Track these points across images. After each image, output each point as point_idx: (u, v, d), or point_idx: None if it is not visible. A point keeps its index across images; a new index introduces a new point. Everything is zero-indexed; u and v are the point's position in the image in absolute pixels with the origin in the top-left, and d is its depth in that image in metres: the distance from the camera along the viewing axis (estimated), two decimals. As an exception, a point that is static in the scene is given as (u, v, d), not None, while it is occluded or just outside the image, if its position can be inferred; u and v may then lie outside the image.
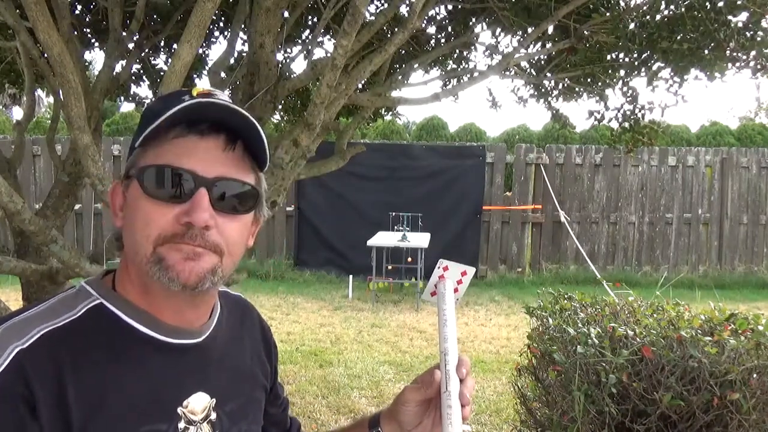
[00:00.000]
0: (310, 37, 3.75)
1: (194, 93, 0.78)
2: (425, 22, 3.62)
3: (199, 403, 0.83)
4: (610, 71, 3.45)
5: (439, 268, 1.01)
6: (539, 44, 3.62)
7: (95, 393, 0.73)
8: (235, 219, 0.79)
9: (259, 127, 0.78)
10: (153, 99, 0.95)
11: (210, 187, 0.76)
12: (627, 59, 3.16)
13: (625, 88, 3.47)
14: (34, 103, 3.61)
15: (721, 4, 2.68)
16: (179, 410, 0.80)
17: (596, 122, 3.72)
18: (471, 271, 1.02)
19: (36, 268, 2.38)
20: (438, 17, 3.79)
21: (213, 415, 0.84)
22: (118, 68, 2.98)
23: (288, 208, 8.75)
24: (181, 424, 0.80)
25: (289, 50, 3.87)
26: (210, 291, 0.80)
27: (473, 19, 3.59)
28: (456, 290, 1.00)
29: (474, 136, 11.02)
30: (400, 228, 7.68)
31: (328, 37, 3.91)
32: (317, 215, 8.68)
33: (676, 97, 3.10)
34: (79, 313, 0.77)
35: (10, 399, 0.68)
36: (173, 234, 0.75)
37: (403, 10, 3.32)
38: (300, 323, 6.15)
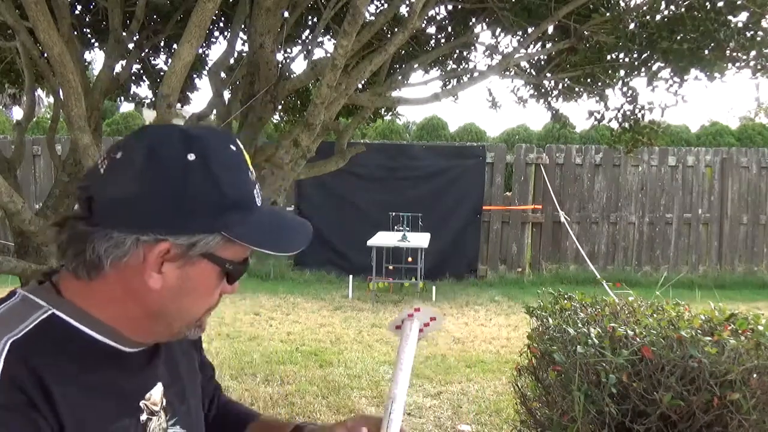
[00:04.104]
0: (310, 37, 3.75)
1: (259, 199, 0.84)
2: (425, 22, 3.62)
3: (158, 394, 0.87)
4: (610, 71, 3.45)
5: (410, 307, 0.99)
6: (539, 44, 3.62)
7: (67, 400, 0.74)
8: None
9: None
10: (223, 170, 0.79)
11: None
12: (627, 59, 3.16)
13: (625, 88, 3.47)
14: (34, 103, 3.61)
15: (721, 4, 2.68)
16: (142, 403, 0.84)
17: (596, 122, 3.72)
18: (440, 319, 0.99)
19: (36, 268, 2.37)
20: (438, 17, 3.79)
21: (164, 401, 0.88)
22: (118, 68, 2.98)
23: (288, 209, 8.75)
24: (143, 417, 0.84)
25: (289, 50, 3.86)
26: None
27: (473, 19, 3.59)
28: (421, 330, 0.98)
29: (474, 136, 11.02)
30: (400, 228, 7.68)
31: (328, 37, 3.91)
32: (317, 215, 8.67)
33: (676, 97, 3.10)
34: (33, 324, 0.76)
35: (18, 409, 0.69)
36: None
37: (403, 10, 3.32)
38: (300, 323, 6.15)
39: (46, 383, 0.72)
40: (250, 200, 0.81)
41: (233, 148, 0.81)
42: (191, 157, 0.76)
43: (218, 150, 0.79)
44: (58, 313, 0.79)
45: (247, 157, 0.83)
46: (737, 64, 2.78)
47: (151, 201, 0.75)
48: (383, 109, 4.39)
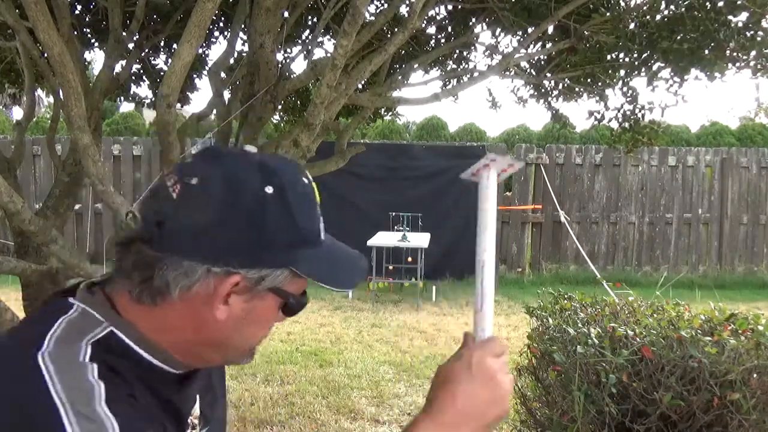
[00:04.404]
0: (310, 37, 3.75)
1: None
2: (425, 22, 3.62)
3: (197, 407, 0.88)
4: (610, 71, 3.45)
5: (486, 158, 0.86)
6: (539, 44, 3.61)
7: (146, 401, 0.76)
8: None
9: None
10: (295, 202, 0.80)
11: None
12: (627, 59, 3.16)
13: (625, 88, 3.47)
14: (34, 103, 3.61)
15: (721, 4, 2.68)
16: (189, 420, 0.85)
17: (596, 122, 3.72)
18: (518, 163, 0.89)
19: (36, 268, 2.37)
20: (438, 17, 3.78)
21: (199, 411, 0.89)
22: (118, 68, 2.98)
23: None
24: (188, 431, 0.85)
25: (289, 50, 3.86)
26: None
27: (473, 19, 3.58)
28: (498, 175, 0.87)
29: (474, 136, 11.02)
30: (400, 228, 7.68)
31: (328, 37, 3.90)
32: (317, 215, 8.66)
33: (676, 97, 3.10)
34: (96, 338, 0.76)
35: (124, 400, 0.71)
36: None
37: (403, 10, 3.32)
38: (300, 323, 6.15)
39: (129, 381, 0.74)
40: (317, 235, 0.82)
41: (306, 181, 0.80)
42: (269, 189, 0.75)
43: (294, 183, 0.78)
44: (116, 331, 0.78)
45: (316, 188, 0.83)
46: (737, 64, 2.78)
47: (226, 232, 0.74)
48: (383, 109, 4.39)
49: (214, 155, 0.79)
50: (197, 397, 0.88)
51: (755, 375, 2.04)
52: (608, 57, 3.31)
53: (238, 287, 0.76)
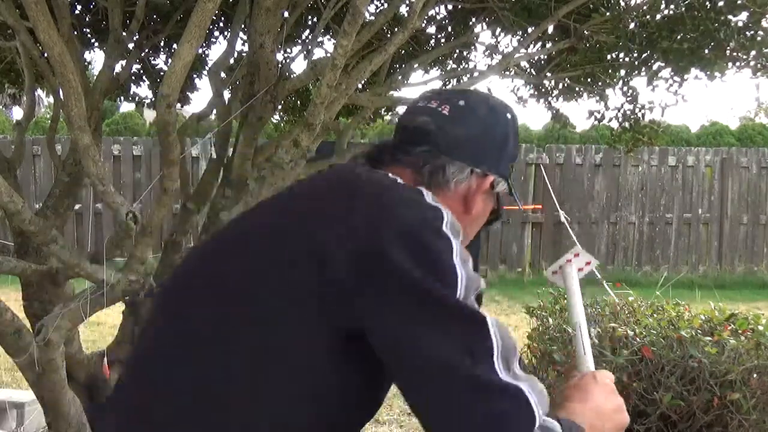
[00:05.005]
0: (310, 37, 3.75)
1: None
2: (425, 22, 3.61)
3: None
4: (610, 71, 3.44)
5: (570, 253, 1.11)
6: (539, 44, 3.61)
7: None
8: None
9: None
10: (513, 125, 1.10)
11: None
12: (627, 59, 3.15)
13: (625, 88, 3.47)
14: (34, 103, 3.60)
15: (721, 3, 2.68)
16: None
17: (596, 122, 3.72)
18: (594, 263, 1.15)
19: (36, 268, 2.37)
20: (438, 17, 3.78)
21: None
22: (118, 68, 2.97)
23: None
24: None
25: (289, 50, 3.86)
26: None
27: (473, 19, 3.58)
28: (578, 272, 1.11)
29: (474, 136, 11.01)
30: (400, 228, 7.66)
31: (328, 37, 3.90)
32: (317, 215, 8.65)
33: (676, 97, 3.10)
34: None
35: None
36: None
37: (403, 10, 3.31)
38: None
39: None
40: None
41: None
42: (509, 115, 0.99)
43: (516, 116, 1.03)
44: None
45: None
46: (737, 64, 2.78)
47: (486, 143, 0.96)
48: (383, 109, 4.39)
49: (467, 90, 1.07)
50: None
51: (755, 375, 2.04)
52: (608, 57, 3.31)
53: (487, 187, 0.96)
